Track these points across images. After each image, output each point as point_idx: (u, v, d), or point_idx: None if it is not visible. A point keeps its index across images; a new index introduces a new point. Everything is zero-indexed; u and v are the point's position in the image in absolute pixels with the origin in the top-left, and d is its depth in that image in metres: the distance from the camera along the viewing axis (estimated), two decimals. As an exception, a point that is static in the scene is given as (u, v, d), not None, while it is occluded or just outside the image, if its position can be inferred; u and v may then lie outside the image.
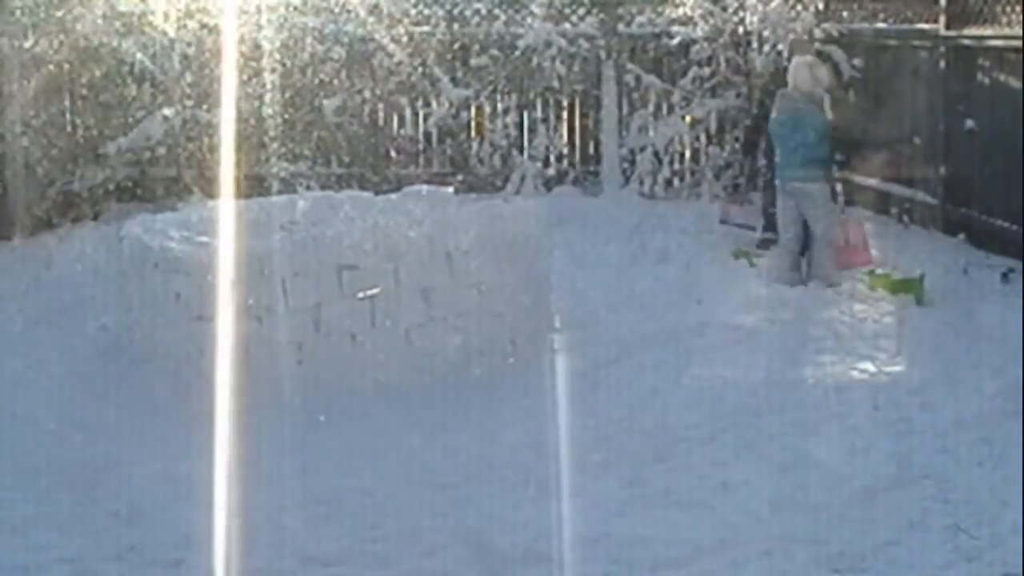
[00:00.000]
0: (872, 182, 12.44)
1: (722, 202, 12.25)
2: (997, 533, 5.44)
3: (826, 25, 12.91)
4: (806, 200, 9.53)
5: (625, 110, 13.43)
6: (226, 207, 8.40)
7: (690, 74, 13.23)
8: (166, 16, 12.25)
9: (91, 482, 6.15)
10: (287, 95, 12.57)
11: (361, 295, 7.55)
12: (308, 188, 11.93)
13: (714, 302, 9.28)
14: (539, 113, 13.66)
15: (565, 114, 13.72)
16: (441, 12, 13.42)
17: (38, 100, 11.93)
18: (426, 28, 13.26)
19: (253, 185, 11.64)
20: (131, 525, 5.68)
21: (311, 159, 12.99)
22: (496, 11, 13.49)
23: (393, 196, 8.94)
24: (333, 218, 8.09)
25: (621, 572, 5.24)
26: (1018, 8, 10.02)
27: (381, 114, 13.62)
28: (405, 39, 13.00)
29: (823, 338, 8.36)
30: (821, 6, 12.93)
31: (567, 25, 13.46)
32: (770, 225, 10.42)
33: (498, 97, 13.52)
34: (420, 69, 13.18)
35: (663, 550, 5.37)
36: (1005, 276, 9.57)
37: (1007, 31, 10.25)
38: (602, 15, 13.46)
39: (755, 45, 13.01)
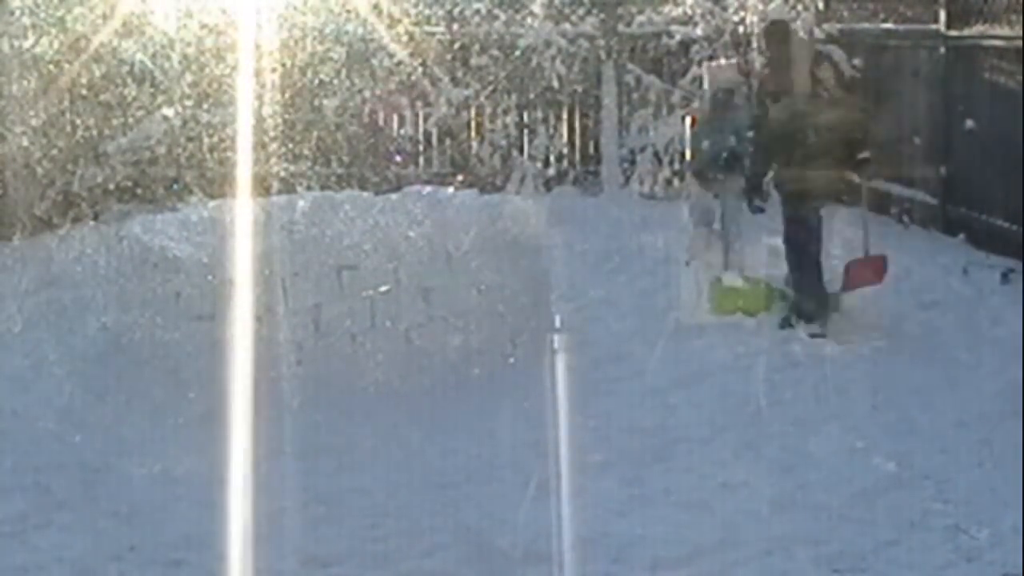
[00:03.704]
0: (872, 182, 12.43)
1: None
2: (997, 533, 5.44)
3: (826, 25, 12.92)
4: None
5: (625, 110, 13.42)
6: (226, 207, 8.41)
7: (690, 74, 13.22)
8: (166, 16, 12.24)
9: (91, 482, 6.15)
10: (287, 95, 12.55)
11: (369, 293, 7.56)
12: (308, 188, 11.91)
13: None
14: (539, 113, 13.65)
15: (565, 114, 13.71)
16: (441, 12, 13.41)
17: (38, 100, 11.92)
18: (426, 28, 13.25)
19: (253, 185, 11.62)
20: (131, 525, 5.68)
21: (311, 159, 12.98)
22: (496, 11, 13.49)
23: (393, 196, 8.94)
24: (333, 218, 8.08)
25: (621, 572, 5.25)
26: (1018, 8, 10.03)
27: (381, 114, 13.61)
28: (405, 39, 12.99)
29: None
30: (821, 6, 12.94)
31: (567, 25, 13.46)
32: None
33: (498, 97, 13.52)
34: (420, 69, 13.17)
35: (663, 550, 5.37)
36: (1005, 276, 9.57)
37: (1007, 31, 10.25)
38: (602, 15, 13.46)
39: (755, 45, 13.02)
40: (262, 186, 11.84)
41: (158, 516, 5.75)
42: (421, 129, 13.73)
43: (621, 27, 13.47)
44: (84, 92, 12.54)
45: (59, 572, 5.28)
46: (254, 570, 5.18)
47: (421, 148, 13.78)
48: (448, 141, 13.69)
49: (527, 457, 6.32)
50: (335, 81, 13.16)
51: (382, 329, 7.63)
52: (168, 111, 12.56)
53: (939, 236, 11.09)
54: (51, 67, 12.09)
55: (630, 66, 13.38)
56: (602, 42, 13.42)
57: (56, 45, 12.07)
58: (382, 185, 12.22)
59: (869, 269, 8.73)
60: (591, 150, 13.69)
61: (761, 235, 9.21)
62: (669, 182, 13.36)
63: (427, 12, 13.34)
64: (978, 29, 10.71)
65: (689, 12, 13.02)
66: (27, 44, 11.79)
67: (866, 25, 12.87)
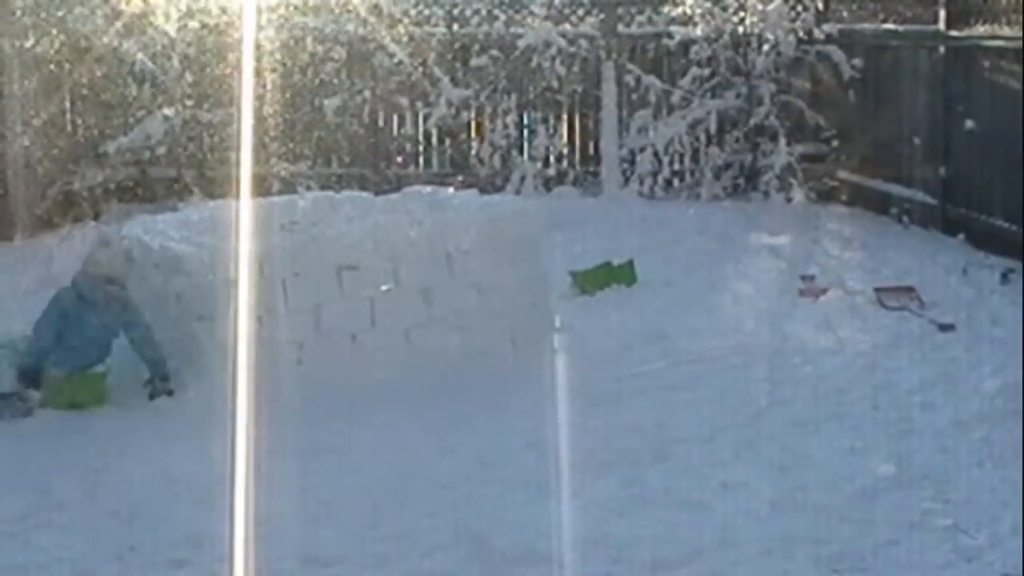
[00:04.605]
0: (872, 182, 12.45)
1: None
2: (997, 533, 5.44)
3: (826, 25, 12.92)
4: None
5: (625, 110, 13.43)
6: (226, 207, 8.40)
7: (690, 74, 13.23)
8: (166, 16, 12.24)
9: (91, 482, 6.15)
10: (287, 95, 12.56)
11: (369, 293, 7.55)
12: (308, 188, 11.91)
13: (714, 302, 9.29)
14: (539, 113, 13.67)
15: (565, 114, 13.72)
16: (441, 12, 13.42)
17: (38, 100, 11.92)
18: (426, 28, 13.26)
19: (253, 185, 11.62)
20: (131, 525, 5.68)
21: (311, 159, 12.99)
22: (496, 11, 13.50)
23: (393, 196, 8.94)
24: (333, 218, 8.08)
25: (621, 572, 5.24)
26: (1018, 8, 10.03)
27: (381, 114, 13.62)
28: (405, 39, 12.99)
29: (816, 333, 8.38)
30: (821, 6, 12.94)
31: (567, 25, 13.47)
32: None
33: (498, 97, 13.52)
34: (420, 69, 13.18)
35: (663, 550, 5.37)
36: (1005, 276, 9.58)
37: (1007, 31, 10.25)
38: (602, 15, 13.47)
39: (755, 45, 13.03)
40: (262, 186, 11.86)
41: (158, 516, 5.74)
42: (421, 129, 13.75)
43: (621, 27, 13.48)
44: (84, 92, 12.55)
45: (59, 572, 5.27)
46: (254, 570, 5.18)
47: (421, 148, 13.79)
48: (448, 141, 13.71)
49: (527, 457, 6.32)
50: (335, 81, 13.17)
51: (382, 329, 7.62)
52: (168, 111, 12.56)
53: (939, 236, 11.10)
54: (51, 67, 12.10)
55: (630, 66, 13.38)
56: (602, 42, 13.42)
57: (56, 45, 12.07)
58: (382, 185, 12.23)
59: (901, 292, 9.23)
60: (591, 150, 13.70)
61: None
62: (669, 182, 13.38)
63: (427, 12, 13.36)
64: (978, 29, 10.72)
65: (689, 12, 13.03)
66: (27, 44, 11.79)
67: (866, 25, 12.88)
